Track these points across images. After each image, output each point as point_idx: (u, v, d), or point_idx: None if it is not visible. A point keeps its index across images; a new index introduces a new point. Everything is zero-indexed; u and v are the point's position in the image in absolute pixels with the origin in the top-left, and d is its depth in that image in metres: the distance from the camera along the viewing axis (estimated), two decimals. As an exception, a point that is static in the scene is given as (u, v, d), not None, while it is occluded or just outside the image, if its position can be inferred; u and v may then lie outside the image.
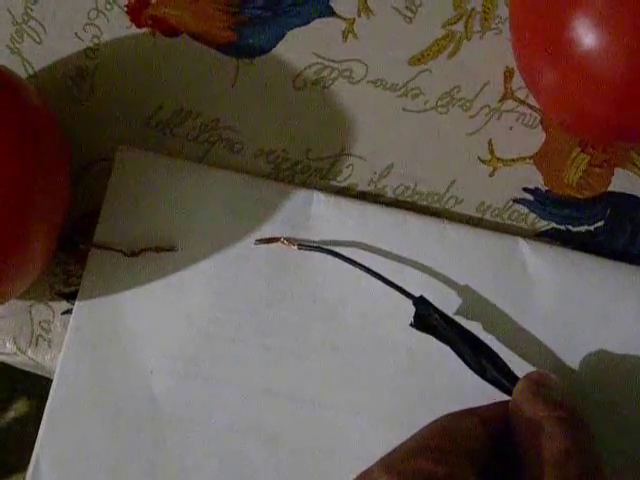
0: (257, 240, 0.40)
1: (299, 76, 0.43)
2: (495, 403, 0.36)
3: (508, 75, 0.43)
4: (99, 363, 0.39)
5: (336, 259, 0.39)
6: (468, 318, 0.40)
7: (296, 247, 0.39)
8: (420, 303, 0.37)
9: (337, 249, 0.40)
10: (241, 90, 0.43)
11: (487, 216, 0.42)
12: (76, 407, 0.39)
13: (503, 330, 0.40)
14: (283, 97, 0.42)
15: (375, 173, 0.42)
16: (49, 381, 0.39)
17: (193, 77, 0.42)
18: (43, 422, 0.39)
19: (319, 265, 0.40)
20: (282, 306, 0.40)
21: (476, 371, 0.37)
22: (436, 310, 0.37)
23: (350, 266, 0.39)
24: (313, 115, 0.42)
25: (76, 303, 0.40)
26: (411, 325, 0.37)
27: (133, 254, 0.40)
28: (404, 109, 0.43)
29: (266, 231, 0.41)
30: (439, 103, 0.43)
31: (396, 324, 0.39)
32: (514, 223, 0.42)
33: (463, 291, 0.40)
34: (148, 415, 0.39)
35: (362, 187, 0.42)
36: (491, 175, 0.42)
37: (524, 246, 0.41)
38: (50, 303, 0.41)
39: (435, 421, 0.34)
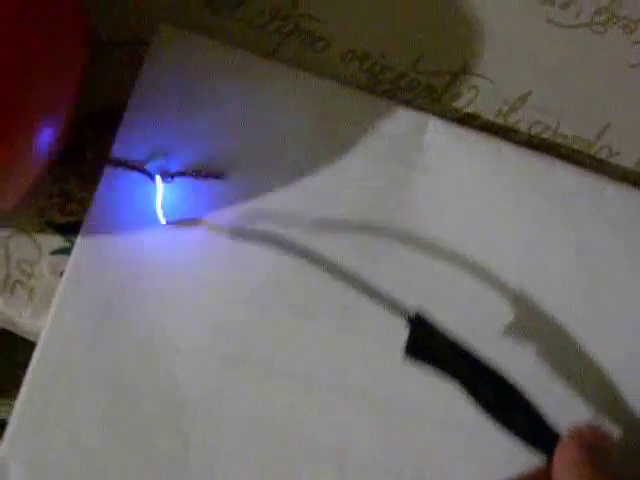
0: (173, 221, 0.33)
1: (412, -44, 0.38)
2: (525, 475, 0.30)
3: (684, -8, 0.37)
4: (104, 330, 0.33)
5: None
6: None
7: (227, 235, 0.33)
8: (416, 324, 0.30)
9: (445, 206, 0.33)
10: (331, -35, 0.38)
11: (649, 176, 0.37)
12: (66, 390, 0.33)
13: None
14: (388, -18, 0.38)
15: (505, 102, 0.37)
16: (27, 348, 0.34)
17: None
18: (16, 409, 0.33)
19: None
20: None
21: (499, 421, 0.30)
22: (437, 334, 0.30)
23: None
24: (428, 12, 0.37)
25: (77, 240, 0.34)
26: (405, 353, 0.30)
27: (164, 178, 0.34)
28: (549, 20, 0.37)
29: (357, 165, 0.34)
30: (595, 19, 0.38)
31: None
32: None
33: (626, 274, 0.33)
34: (166, 406, 0.33)
35: (487, 118, 0.37)
36: (657, 123, 0.37)
37: None
38: (36, 236, 0.36)
39: None
